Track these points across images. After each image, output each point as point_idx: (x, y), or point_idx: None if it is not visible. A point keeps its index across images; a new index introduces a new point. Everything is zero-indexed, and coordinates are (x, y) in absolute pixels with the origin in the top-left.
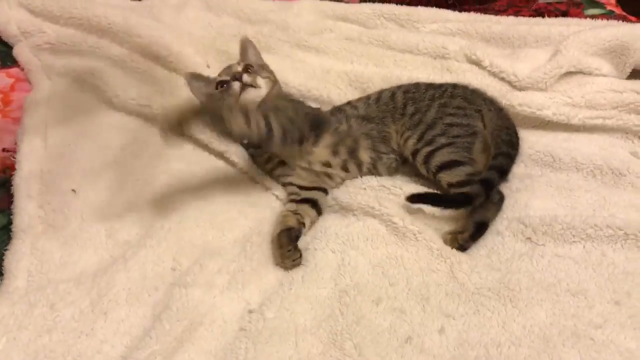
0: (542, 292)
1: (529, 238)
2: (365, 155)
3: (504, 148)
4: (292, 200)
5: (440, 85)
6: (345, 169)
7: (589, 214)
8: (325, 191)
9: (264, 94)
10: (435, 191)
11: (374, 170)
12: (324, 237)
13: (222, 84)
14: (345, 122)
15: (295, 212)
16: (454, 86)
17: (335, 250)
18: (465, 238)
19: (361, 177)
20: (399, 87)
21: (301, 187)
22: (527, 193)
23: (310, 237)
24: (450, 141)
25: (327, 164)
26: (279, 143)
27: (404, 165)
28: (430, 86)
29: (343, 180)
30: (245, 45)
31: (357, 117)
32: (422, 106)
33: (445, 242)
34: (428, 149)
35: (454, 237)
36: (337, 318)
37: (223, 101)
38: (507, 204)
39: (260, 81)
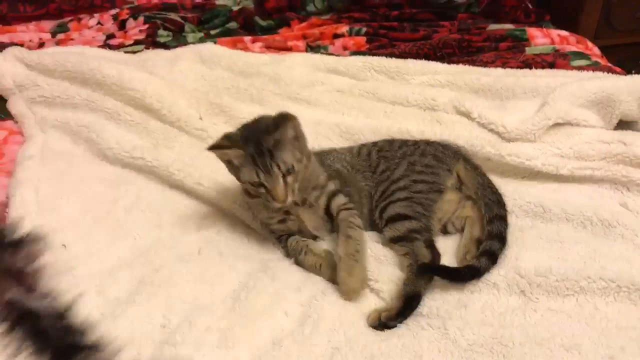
0: (536, 348)
1: (522, 291)
2: (364, 203)
3: (495, 209)
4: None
5: (415, 142)
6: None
7: (580, 266)
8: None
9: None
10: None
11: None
12: (321, 291)
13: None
14: (340, 165)
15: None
16: (428, 143)
17: (332, 303)
18: (390, 316)
19: None
20: (375, 144)
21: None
22: (517, 246)
23: (308, 294)
24: (408, 195)
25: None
26: None
27: None
28: (404, 143)
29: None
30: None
31: (347, 163)
32: (392, 164)
33: (367, 319)
34: (385, 202)
35: (378, 314)
36: None
37: None
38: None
39: (295, 188)
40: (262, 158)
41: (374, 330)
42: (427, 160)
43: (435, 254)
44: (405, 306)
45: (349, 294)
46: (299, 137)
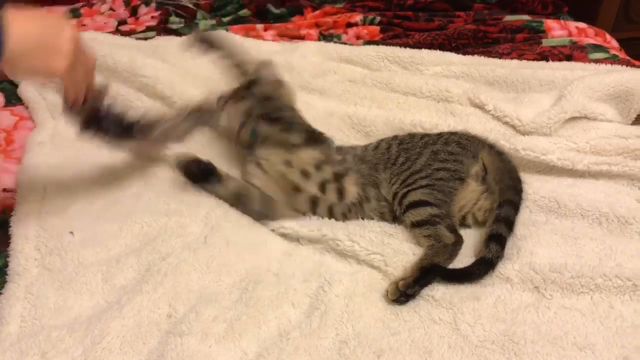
0: (548, 346)
1: (536, 287)
2: (351, 188)
3: (509, 195)
4: None
5: (439, 133)
6: (322, 189)
7: (595, 263)
8: None
9: None
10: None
11: (360, 210)
12: (328, 282)
13: None
14: (341, 155)
15: None
16: (452, 133)
17: (339, 295)
18: (407, 284)
19: (340, 205)
20: (396, 137)
21: None
22: (531, 241)
23: (316, 285)
24: (430, 183)
25: (306, 174)
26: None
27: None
28: (426, 135)
29: (312, 201)
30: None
31: (353, 156)
32: (412, 154)
33: (386, 295)
34: (406, 189)
35: (395, 285)
36: None
37: None
38: (512, 252)
39: None
40: None
41: (395, 303)
42: (450, 148)
43: (459, 237)
44: (422, 276)
45: None
46: None
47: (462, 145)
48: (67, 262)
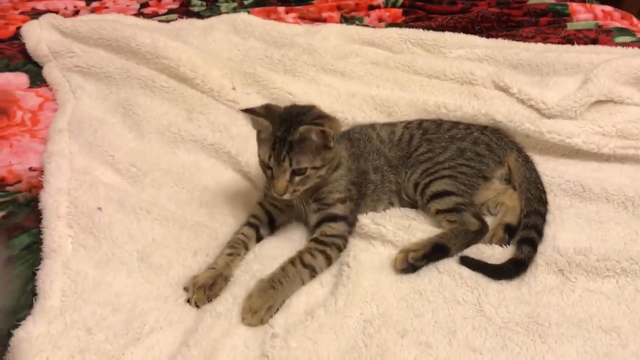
0: (573, 328)
1: (561, 270)
2: (380, 208)
3: (535, 205)
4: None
5: (468, 127)
6: None
7: (620, 247)
8: None
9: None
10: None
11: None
12: (355, 264)
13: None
14: (379, 167)
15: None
16: (482, 132)
17: (363, 273)
18: (417, 257)
19: None
20: (420, 125)
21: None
22: (556, 224)
23: (339, 263)
24: (453, 174)
25: None
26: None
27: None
28: (454, 126)
29: None
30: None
31: (385, 160)
32: (437, 147)
33: (393, 262)
34: (428, 179)
35: (405, 255)
36: (360, 350)
37: None
38: None
39: (300, 189)
40: (282, 146)
41: (400, 273)
42: (479, 148)
43: (483, 225)
44: (432, 251)
45: (247, 313)
46: (328, 148)
47: (491, 148)
48: (101, 241)
